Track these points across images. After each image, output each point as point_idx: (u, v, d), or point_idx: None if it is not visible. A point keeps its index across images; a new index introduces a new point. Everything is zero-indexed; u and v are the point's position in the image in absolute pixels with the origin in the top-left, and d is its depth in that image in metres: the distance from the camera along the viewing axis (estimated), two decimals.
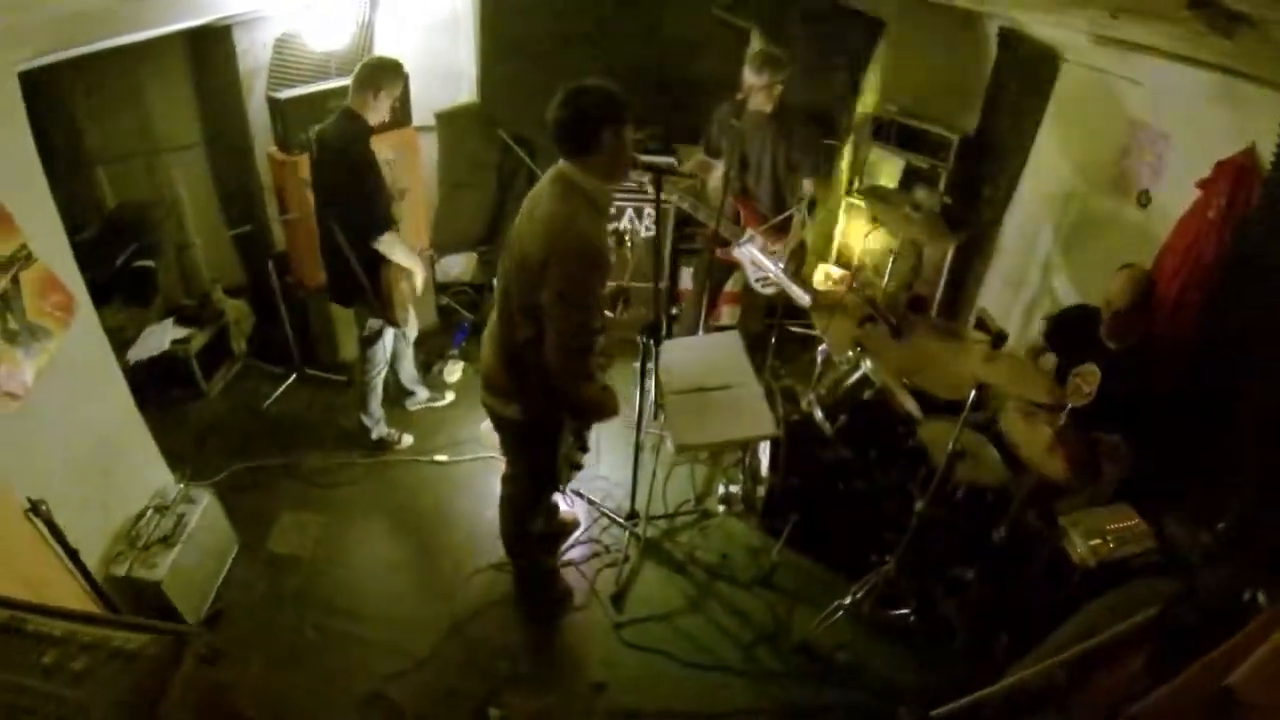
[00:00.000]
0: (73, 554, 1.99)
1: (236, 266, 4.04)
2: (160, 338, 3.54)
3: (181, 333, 3.63)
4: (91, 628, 1.18)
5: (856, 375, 2.54)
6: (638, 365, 2.70)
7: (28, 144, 1.94)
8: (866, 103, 3.74)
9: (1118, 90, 2.75)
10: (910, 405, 2.61)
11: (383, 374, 3.27)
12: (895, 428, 2.52)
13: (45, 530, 1.90)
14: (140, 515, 2.48)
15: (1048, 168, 3.19)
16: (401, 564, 2.95)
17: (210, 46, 3.27)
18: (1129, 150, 2.74)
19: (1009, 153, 3.34)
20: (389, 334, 3.16)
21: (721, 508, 3.21)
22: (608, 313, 2.31)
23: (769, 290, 3.59)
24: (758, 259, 3.44)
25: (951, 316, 3.81)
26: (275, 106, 3.14)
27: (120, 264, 3.50)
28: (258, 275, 3.82)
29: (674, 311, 4.29)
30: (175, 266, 3.87)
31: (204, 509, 2.63)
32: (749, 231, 3.45)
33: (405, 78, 2.90)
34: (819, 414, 2.57)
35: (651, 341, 2.52)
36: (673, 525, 3.15)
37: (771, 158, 3.28)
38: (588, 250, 1.89)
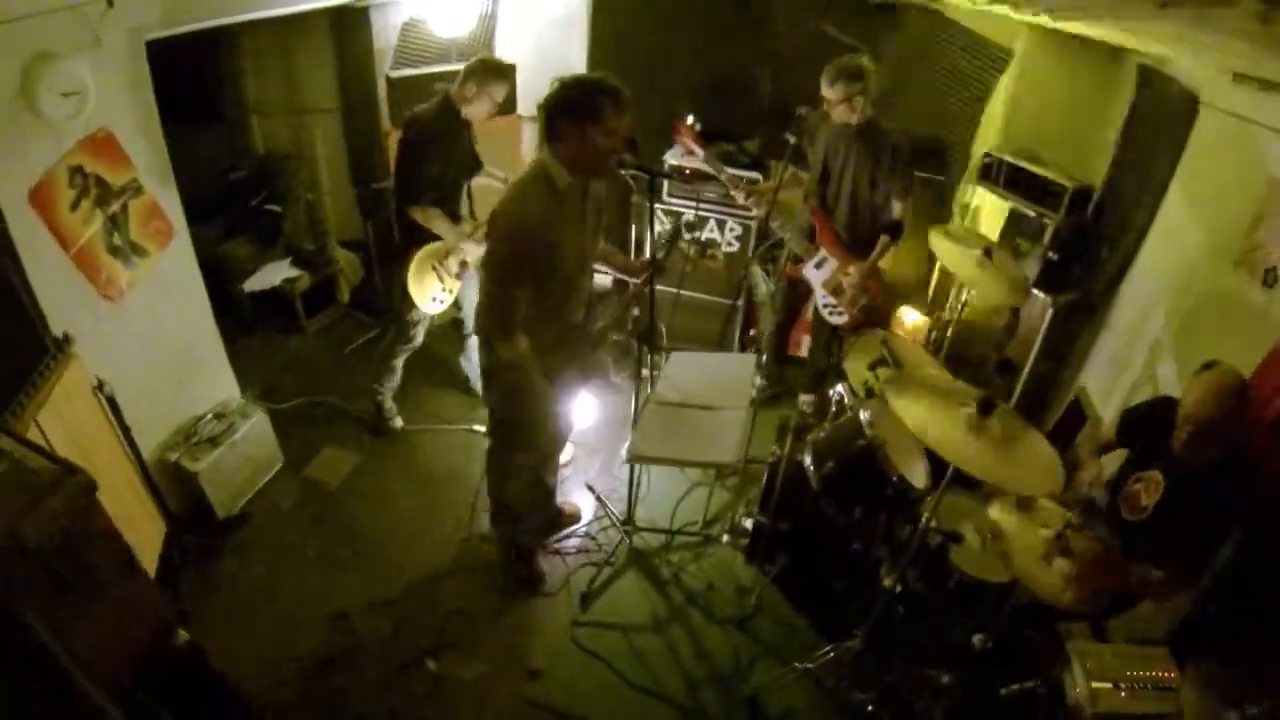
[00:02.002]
0: (125, 429, 2.55)
1: (357, 222, 4.72)
2: (275, 274, 4.27)
3: (294, 273, 4.34)
4: (19, 445, 1.56)
5: (852, 420, 2.48)
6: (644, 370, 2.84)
7: (150, 101, 2.53)
8: (985, 140, 3.53)
9: (1260, 142, 2.39)
10: (915, 470, 2.49)
11: (408, 354, 3.51)
12: (884, 488, 2.43)
13: (106, 407, 2.47)
14: (200, 417, 3.06)
15: (1173, 231, 2.83)
16: (408, 514, 3.32)
17: (350, 24, 3.88)
18: (1264, 216, 2.38)
19: (1134, 211, 3.00)
20: (425, 320, 3.41)
21: (726, 537, 3.25)
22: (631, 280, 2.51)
23: (838, 319, 3.53)
24: (824, 280, 3.41)
25: (1045, 392, 3.49)
26: (389, 83, 3.67)
27: (255, 204, 4.28)
28: (372, 233, 4.45)
29: (750, 333, 4.34)
30: (304, 214, 4.61)
31: (253, 423, 3.18)
32: (821, 250, 3.41)
33: (510, 82, 3.17)
34: (808, 459, 2.54)
35: (646, 348, 2.66)
36: (671, 542, 3.24)
37: (854, 172, 3.22)
38: (517, 230, 2.13)
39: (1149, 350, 2.95)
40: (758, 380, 4.09)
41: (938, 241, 2.92)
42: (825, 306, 3.48)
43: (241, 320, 4.19)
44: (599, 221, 2.50)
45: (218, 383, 3.20)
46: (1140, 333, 3.01)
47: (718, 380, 2.73)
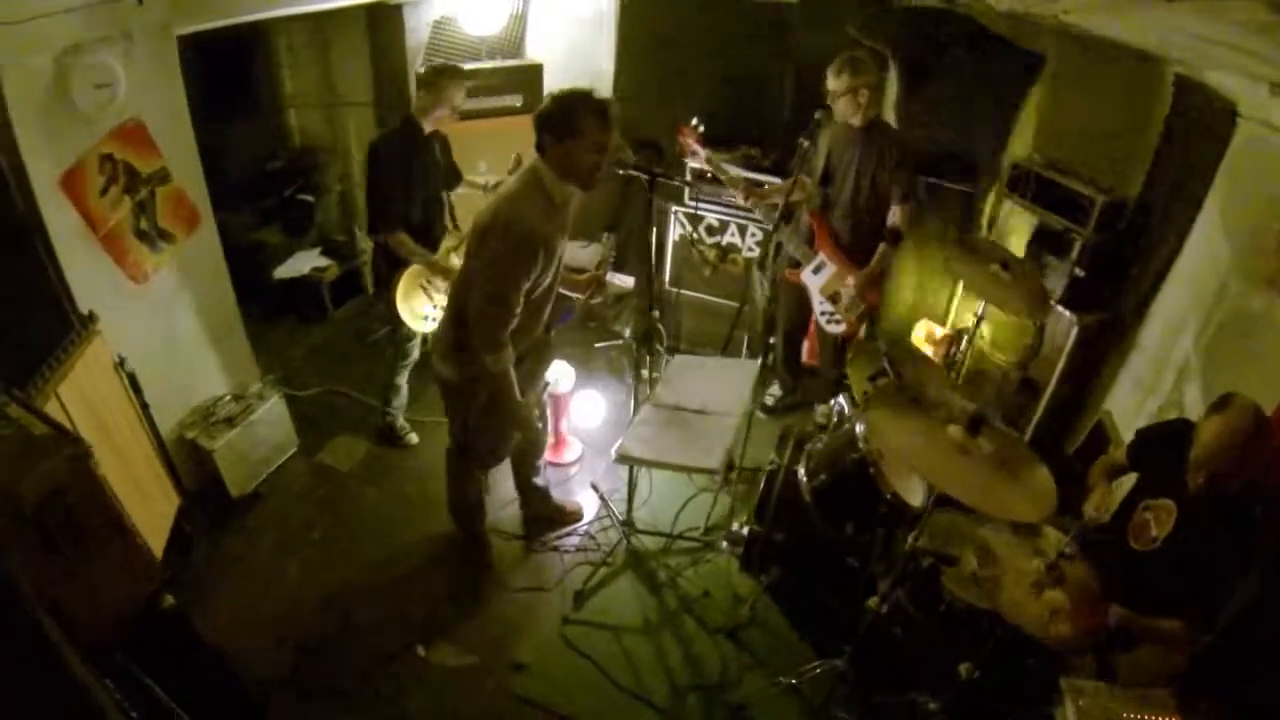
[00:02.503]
0: (144, 405, 2.71)
1: None
2: (304, 263, 4.45)
3: (323, 262, 4.51)
4: (26, 413, 1.69)
5: (848, 433, 2.46)
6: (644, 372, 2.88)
7: (179, 93, 2.68)
8: (1014, 150, 3.45)
9: None
10: (912, 487, 2.46)
11: (409, 369, 3.52)
12: (877, 505, 2.40)
13: (126, 383, 2.63)
14: (219, 398, 3.22)
15: (1206, 250, 2.73)
16: (413, 502, 3.41)
17: (384, 21, 4.02)
18: None
19: (1167, 227, 2.89)
20: (418, 336, 3.37)
21: (725, 545, 3.25)
22: (576, 295, 2.55)
23: (836, 328, 3.52)
24: (822, 285, 3.41)
25: (1067, 414, 3.39)
26: (418, 80, 3.78)
27: (289, 194, 4.47)
28: None
29: (771, 340, 4.34)
30: (336, 205, 4.80)
31: (270, 406, 3.32)
32: (819, 255, 3.40)
33: (463, 84, 3.07)
34: (801, 469, 2.53)
35: (644, 350, 2.70)
36: (671, 546, 3.26)
37: (857, 174, 3.22)
38: (515, 232, 2.16)
39: (1176, 374, 2.85)
40: (775, 389, 4.12)
41: (954, 253, 2.87)
42: (823, 314, 3.47)
43: (269, 306, 4.37)
44: (570, 230, 2.55)
45: (238, 365, 3.36)
46: (1168, 355, 2.90)
47: (716, 385, 2.74)
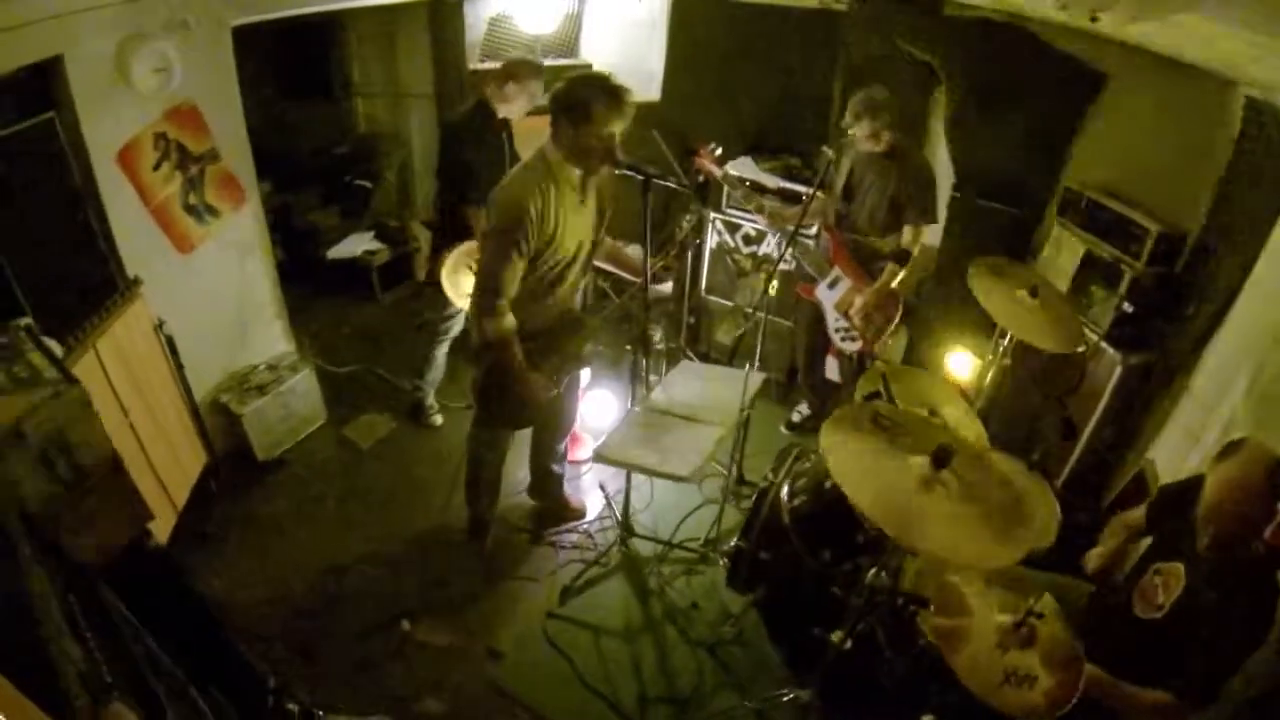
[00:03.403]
0: (179, 366, 2.99)
1: None
2: (357, 245, 4.74)
3: (375, 246, 4.79)
4: (45, 360, 1.91)
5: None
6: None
7: (232, 79, 2.94)
8: (1069, 173, 3.29)
9: None
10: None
11: (447, 343, 3.70)
12: (854, 534, 2.35)
13: (164, 344, 2.91)
14: (254, 367, 3.50)
15: (1266, 289, 2.54)
16: (424, 485, 3.57)
17: (446, 16, 4.24)
18: None
19: (1229, 262, 2.69)
20: (460, 312, 3.55)
21: (723, 561, 3.25)
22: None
23: (851, 346, 3.49)
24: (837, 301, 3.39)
25: (1106, 461, 3.20)
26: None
27: (349, 179, 4.79)
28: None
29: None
30: (394, 192, 5.10)
31: (300, 378, 3.58)
32: (835, 269, 3.40)
33: (541, 81, 3.23)
34: (785, 490, 2.52)
35: (641, 354, 2.75)
36: (667, 554, 3.29)
37: (877, 189, 3.23)
38: (503, 206, 2.29)
39: (1224, 426, 2.65)
40: (802, 407, 4.09)
41: (977, 275, 2.78)
42: (837, 331, 3.46)
43: (320, 284, 4.69)
44: (602, 218, 2.63)
45: (275, 338, 3.63)
46: (1217, 404, 2.71)
47: (712, 394, 2.75)
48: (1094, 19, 2.24)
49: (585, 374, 3.48)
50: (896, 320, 3.37)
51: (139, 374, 2.77)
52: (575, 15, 4.25)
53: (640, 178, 2.36)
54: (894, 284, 3.27)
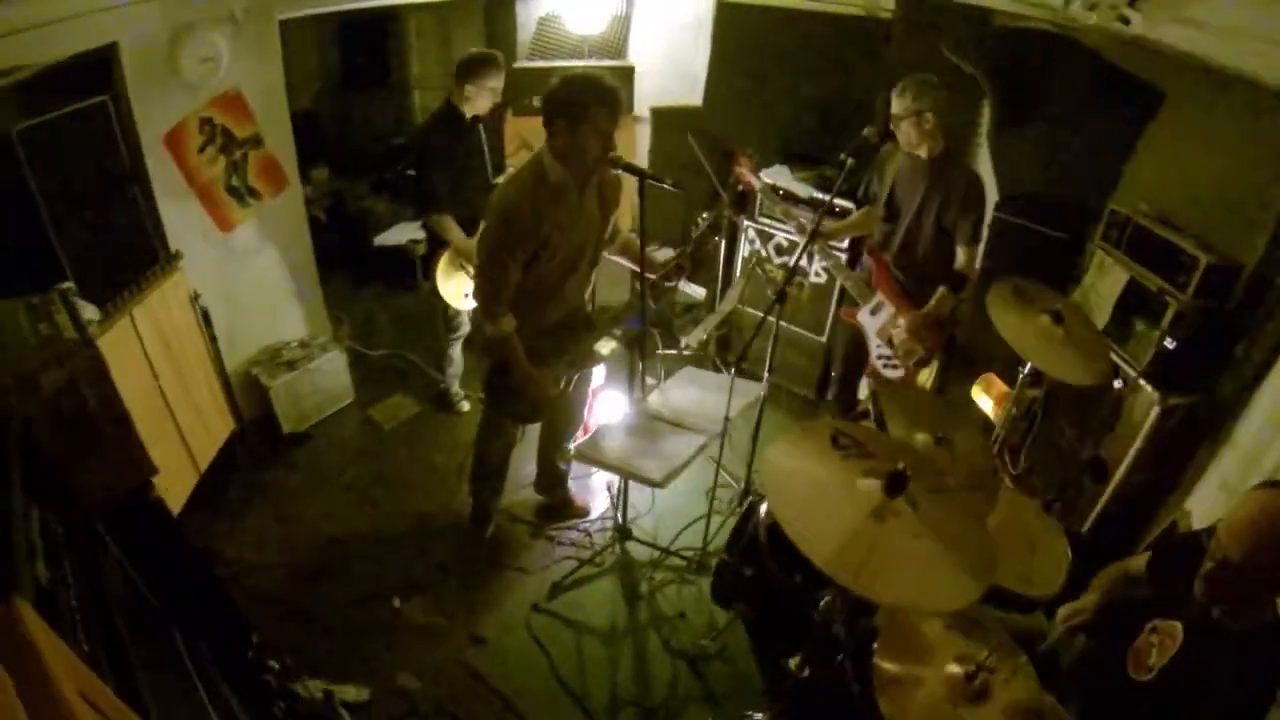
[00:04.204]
0: (213, 339, 3.24)
1: None
2: (403, 234, 4.96)
3: (419, 236, 4.99)
4: (69, 321, 2.13)
5: None
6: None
7: (278, 69, 3.16)
8: (1117, 195, 3.13)
9: None
10: None
11: (460, 341, 3.84)
12: None
13: (199, 316, 3.16)
14: (287, 343, 3.74)
15: None
16: (438, 471, 3.71)
17: (499, 14, 4.42)
18: None
19: None
20: (465, 310, 3.67)
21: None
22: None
23: (894, 374, 3.40)
24: (879, 328, 3.31)
25: (1138, 508, 3.02)
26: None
27: (400, 169, 5.04)
28: None
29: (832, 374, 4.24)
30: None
31: (330, 357, 3.80)
32: (877, 295, 3.32)
33: (500, 71, 3.26)
34: (764, 508, 2.51)
35: (637, 354, 2.80)
36: (663, 560, 3.31)
37: (919, 210, 3.08)
38: (504, 212, 2.36)
39: (1265, 479, 2.47)
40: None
41: (996, 298, 2.69)
42: (879, 359, 3.36)
43: (365, 269, 4.96)
44: (604, 216, 2.67)
45: (310, 317, 3.87)
46: (1261, 455, 2.52)
47: (710, 402, 2.77)
48: (1125, 20, 2.16)
49: (598, 373, 3.56)
50: (939, 349, 3.26)
51: (173, 341, 3.01)
52: (623, 17, 4.33)
53: (637, 178, 2.40)
54: (942, 311, 3.12)
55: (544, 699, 2.75)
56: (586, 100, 2.26)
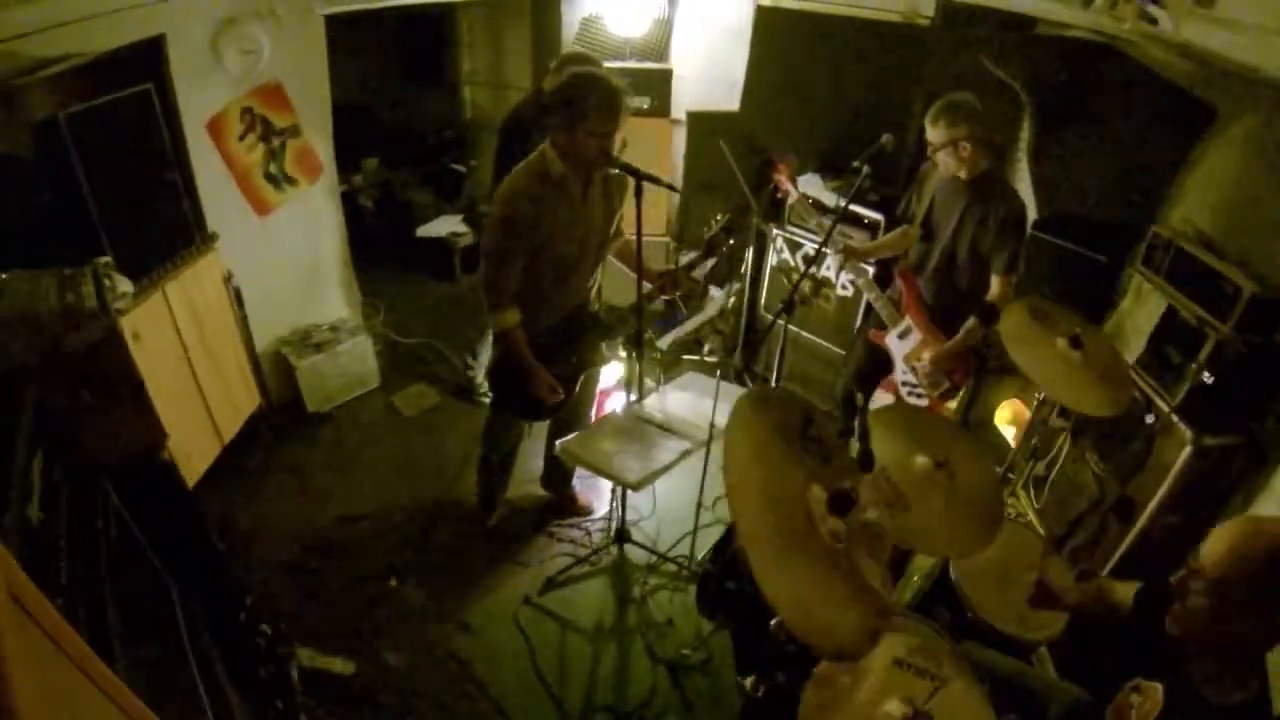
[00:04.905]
0: (244, 318, 3.45)
1: None
2: (445, 226, 5.16)
3: (461, 229, 5.19)
4: (94, 293, 2.33)
5: None
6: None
7: (321, 63, 3.33)
8: (1168, 218, 2.97)
9: None
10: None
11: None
12: None
13: (231, 295, 3.37)
14: (318, 326, 3.94)
15: None
16: (452, 460, 3.81)
17: (545, 14, 4.53)
18: None
19: None
20: None
21: None
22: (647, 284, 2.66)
23: (918, 402, 3.33)
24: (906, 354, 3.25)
25: (1167, 550, 2.85)
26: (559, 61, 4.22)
27: (446, 162, 5.24)
28: None
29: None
30: (488, 179, 5.48)
31: (356, 343, 3.98)
32: (906, 319, 3.24)
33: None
34: None
35: (635, 355, 2.82)
36: (658, 565, 3.32)
37: (955, 232, 2.98)
38: (503, 206, 2.42)
39: None
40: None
41: (1011, 318, 2.60)
42: (904, 385, 3.27)
43: (407, 259, 5.16)
44: (607, 213, 2.70)
45: (342, 302, 4.06)
46: None
47: (700, 408, 2.78)
48: (1151, 20, 2.08)
49: (607, 373, 3.61)
50: (967, 381, 3.16)
51: (204, 318, 3.23)
52: (666, 20, 4.37)
53: (634, 178, 2.43)
54: (970, 342, 3.02)
55: (521, 691, 2.80)
56: (584, 102, 2.31)
